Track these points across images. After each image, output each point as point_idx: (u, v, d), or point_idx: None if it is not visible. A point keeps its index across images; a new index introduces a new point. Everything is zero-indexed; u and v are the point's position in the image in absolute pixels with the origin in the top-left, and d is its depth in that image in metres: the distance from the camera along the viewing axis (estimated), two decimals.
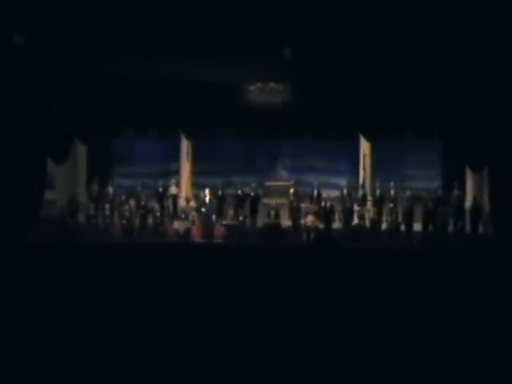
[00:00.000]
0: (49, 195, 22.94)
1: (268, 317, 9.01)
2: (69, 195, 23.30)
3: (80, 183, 24.48)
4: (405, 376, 7.32)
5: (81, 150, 24.34)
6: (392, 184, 23.77)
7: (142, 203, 23.34)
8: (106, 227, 22.85)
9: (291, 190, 23.78)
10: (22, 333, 8.42)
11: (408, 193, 23.61)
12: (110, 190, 23.57)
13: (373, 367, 7.50)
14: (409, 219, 22.71)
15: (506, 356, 7.92)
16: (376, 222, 23.01)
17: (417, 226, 22.69)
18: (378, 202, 23.53)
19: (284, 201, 23.98)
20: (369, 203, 23.77)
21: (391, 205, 23.30)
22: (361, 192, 24.14)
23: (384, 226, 23.06)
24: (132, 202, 23.29)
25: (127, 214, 22.95)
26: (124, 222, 22.88)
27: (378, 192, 23.75)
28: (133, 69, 20.86)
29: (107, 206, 23.19)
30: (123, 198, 23.43)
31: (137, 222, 23.07)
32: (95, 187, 23.54)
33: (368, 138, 24.03)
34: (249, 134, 23.29)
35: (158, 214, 23.35)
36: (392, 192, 23.63)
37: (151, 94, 21.74)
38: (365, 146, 24.79)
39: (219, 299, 10.14)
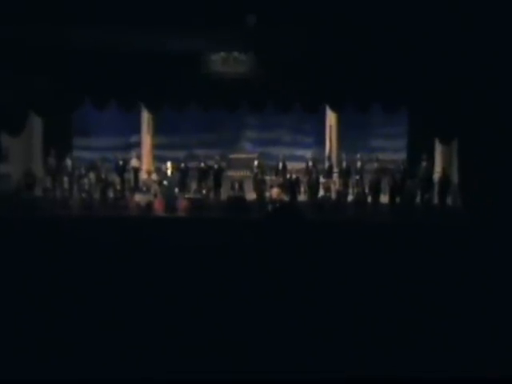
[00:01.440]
0: (3, 169, 22.77)
1: (230, 291, 9.02)
2: (24, 169, 23.03)
3: (36, 156, 24.19)
4: (375, 356, 7.38)
5: (36, 122, 24.03)
6: (359, 156, 23.89)
7: (102, 176, 23.19)
8: (64, 201, 22.53)
9: (256, 163, 23.79)
10: None
11: (375, 164, 23.64)
12: (69, 162, 23.44)
13: (343, 345, 7.60)
14: (375, 191, 22.72)
15: (475, 324, 8.08)
16: (342, 194, 22.96)
17: (384, 198, 22.67)
18: (345, 174, 23.56)
19: (248, 173, 24.02)
20: (335, 175, 23.76)
21: (358, 177, 23.46)
22: (327, 164, 24.07)
23: (350, 198, 23.03)
24: (92, 175, 23.15)
25: (87, 187, 22.77)
26: (84, 195, 22.67)
27: (344, 164, 23.74)
28: (90, 38, 20.52)
29: (66, 179, 23.10)
30: (82, 171, 23.31)
31: (97, 195, 22.90)
32: (52, 160, 23.34)
33: (334, 109, 23.85)
34: (212, 105, 22.93)
35: (118, 187, 23.24)
36: (358, 164, 23.73)
37: (109, 64, 21.48)
38: (331, 117, 24.65)
39: (181, 273, 10.10)
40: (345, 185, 23.33)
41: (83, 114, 23.94)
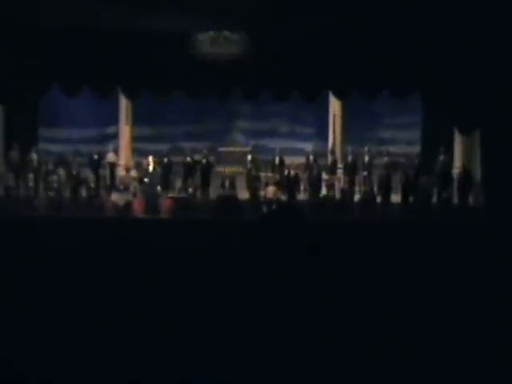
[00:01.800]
0: None
1: (220, 301, 9.01)
2: None
3: None
4: (384, 361, 7.60)
5: None
6: (366, 149, 23.37)
7: (74, 173, 22.73)
8: (29, 200, 22.19)
9: (249, 157, 23.43)
10: None
11: (385, 159, 23.21)
12: (34, 157, 22.98)
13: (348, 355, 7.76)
14: (386, 189, 22.36)
15: (488, 329, 8.45)
16: (347, 192, 22.59)
17: (395, 198, 22.35)
18: (350, 170, 23.11)
19: (240, 169, 23.81)
20: (339, 171, 23.38)
21: (365, 173, 23.03)
22: (330, 158, 23.65)
23: (357, 197, 22.71)
24: (61, 171, 22.67)
25: (55, 185, 22.34)
26: (51, 194, 22.24)
27: (349, 158, 23.27)
28: (61, 15, 20.20)
29: (31, 175, 22.69)
30: (50, 166, 22.83)
31: (67, 194, 22.49)
32: (15, 154, 22.93)
33: (338, 96, 23.43)
34: (199, 91, 22.57)
35: (92, 185, 22.87)
36: (366, 158, 23.23)
37: (82, 44, 21.11)
38: (335, 105, 24.23)
39: (164, 281, 10.08)
40: (351, 182, 22.92)
41: (51, 102, 23.40)
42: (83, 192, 22.68)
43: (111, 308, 8.76)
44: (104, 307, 8.79)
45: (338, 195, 22.69)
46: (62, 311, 8.66)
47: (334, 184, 22.95)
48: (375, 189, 22.51)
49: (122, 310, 8.68)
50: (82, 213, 21.74)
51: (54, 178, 22.44)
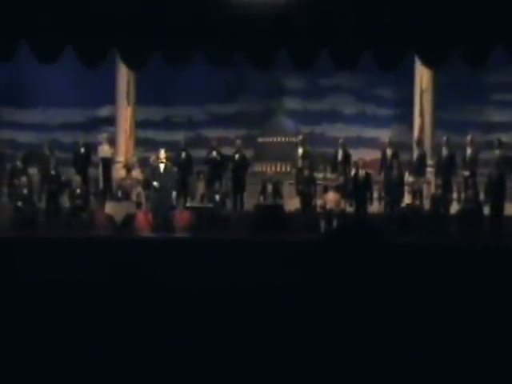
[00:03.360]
0: None
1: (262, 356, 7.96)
2: None
3: None
4: None
5: None
6: (469, 138, 23.32)
7: (52, 173, 22.84)
8: None
9: (300, 150, 23.68)
10: None
11: (496, 152, 23.12)
12: None
13: None
14: (497, 197, 22.38)
15: None
16: (441, 201, 22.63)
17: (511, 209, 22.50)
18: (445, 169, 23.18)
19: (288, 168, 24.57)
20: (429, 170, 23.56)
21: (467, 173, 23.02)
22: (416, 152, 23.87)
23: (455, 207, 22.70)
24: (33, 170, 22.95)
25: (25, 190, 22.35)
26: (19, 204, 22.19)
27: (444, 151, 23.33)
28: None
29: None
30: (18, 163, 22.98)
31: (42, 204, 22.65)
32: None
33: (428, 63, 23.05)
34: (228, 58, 22.09)
35: (78, 190, 22.77)
36: (468, 151, 23.21)
37: None
38: (422, 76, 24.43)
39: (182, 335, 8.61)
40: (445, 186, 22.89)
41: (19, 71, 23.90)
42: (65, 201, 22.72)
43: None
44: (90, 369, 7.81)
45: (427, 205, 22.85)
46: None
47: (422, 189, 23.20)
48: (481, 196, 22.52)
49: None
50: (64, 231, 21.89)
51: (24, 180, 22.49)
